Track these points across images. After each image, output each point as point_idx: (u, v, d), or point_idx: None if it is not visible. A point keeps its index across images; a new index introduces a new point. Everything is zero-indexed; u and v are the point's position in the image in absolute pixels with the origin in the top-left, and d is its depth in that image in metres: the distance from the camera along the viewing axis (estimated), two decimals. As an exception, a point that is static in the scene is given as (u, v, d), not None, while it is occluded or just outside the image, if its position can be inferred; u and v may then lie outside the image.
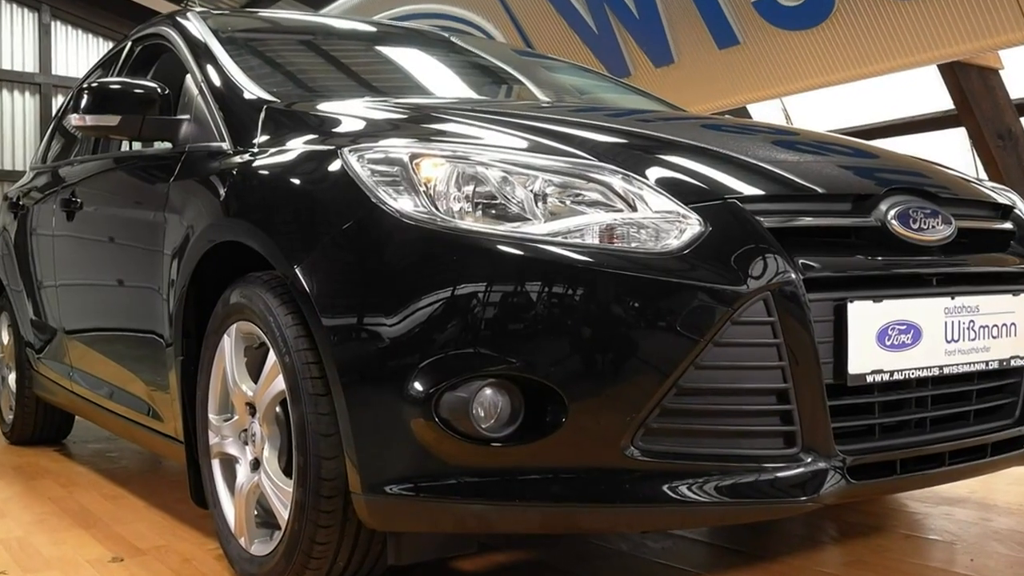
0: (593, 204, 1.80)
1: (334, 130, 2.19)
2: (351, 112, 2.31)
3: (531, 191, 1.81)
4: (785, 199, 1.89)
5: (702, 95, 7.38)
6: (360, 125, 2.21)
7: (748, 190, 1.87)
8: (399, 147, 1.92)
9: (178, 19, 3.01)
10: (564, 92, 3.41)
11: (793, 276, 1.75)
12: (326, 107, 2.37)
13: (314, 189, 2.01)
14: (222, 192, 2.27)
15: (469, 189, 1.82)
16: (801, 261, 1.78)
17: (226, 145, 2.39)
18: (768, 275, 1.73)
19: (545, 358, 1.70)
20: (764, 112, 8.71)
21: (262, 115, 2.35)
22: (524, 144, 1.97)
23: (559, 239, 1.75)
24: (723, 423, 1.74)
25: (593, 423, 1.70)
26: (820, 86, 7.02)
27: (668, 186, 1.83)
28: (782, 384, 1.74)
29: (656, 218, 1.78)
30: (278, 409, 2.05)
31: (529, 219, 1.78)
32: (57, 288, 3.41)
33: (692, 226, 1.77)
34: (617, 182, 1.82)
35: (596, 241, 1.76)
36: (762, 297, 1.72)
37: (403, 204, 1.82)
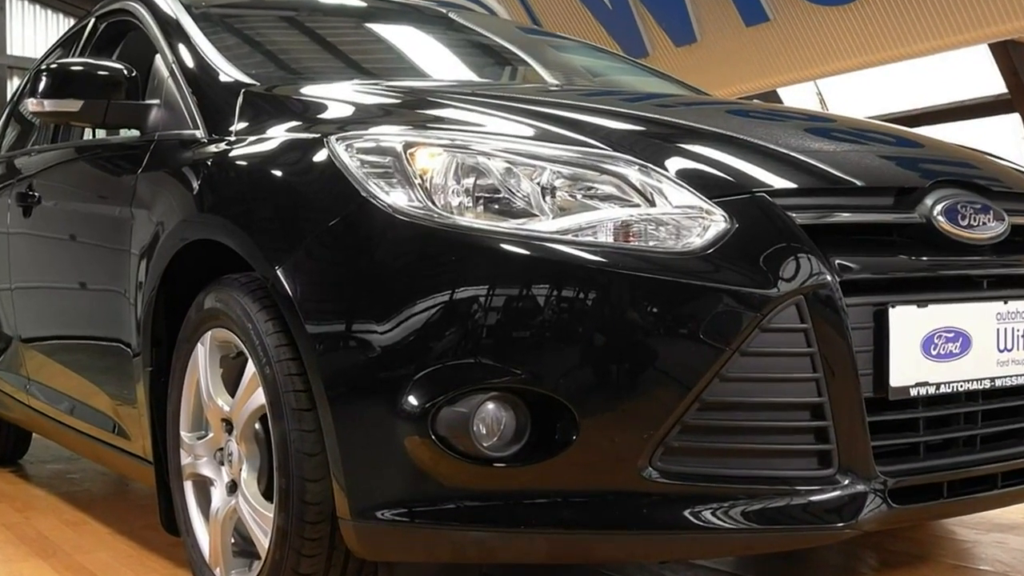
0: (607, 198, 1.81)
1: (320, 116, 2.20)
2: (338, 96, 2.31)
3: (538, 184, 1.82)
4: (820, 193, 1.89)
5: (727, 77, 7.40)
6: (348, 111, 2.21)
7: (779, 183, 1.87)
8: (392, 135, 1.93)
9: (147, -7, 3.01)
10: (574, 74, 3.42)
11: (828, 278, 1.75)
12: (311, 91, 2.38)
13: (297, 182, 2.02)
14: (195, 185, 2.27)
15: (469, 182, 1.83)
16: (837, 262, 1.78)
17: (200, 133, 2.39)
18: (801, 277, 1.73)
19: (553, 369, 1.71)
20: (796, 97, 8.72)
21: (240, 100, 2.35)
22: (530, 132, 1.97)
23: (569, 237, 1.75)
24: (751, 441, 1.74)
25: (607, 441, 1.70)
26: (858, 68, 7.03)
27: (690, 178, 1.83)
28: (816, 398, 1.74)
29: (676, 214, 1.78)
30: (257, 426, 2.06)
31: (536, 215, 1.79)
32: (12, 291, 3.42)
33: (716, 223, 1.77)
34: (633, 174, 1.83)
35: (610, 239, 1.76)
36: (794, 301, 1.72)
37: (396, 198, 1.83)
